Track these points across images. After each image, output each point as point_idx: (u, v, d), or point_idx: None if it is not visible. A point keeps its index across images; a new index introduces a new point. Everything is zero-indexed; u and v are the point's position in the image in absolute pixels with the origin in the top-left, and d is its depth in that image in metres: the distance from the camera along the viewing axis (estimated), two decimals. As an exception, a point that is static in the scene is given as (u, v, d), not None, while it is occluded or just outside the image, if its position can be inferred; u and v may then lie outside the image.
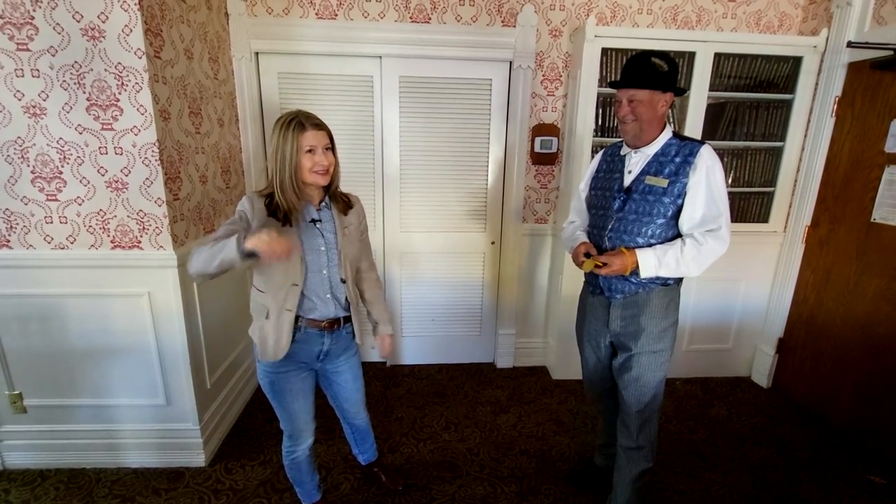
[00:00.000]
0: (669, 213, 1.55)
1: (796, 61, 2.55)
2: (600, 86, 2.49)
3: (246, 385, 2.63)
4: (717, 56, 2.48)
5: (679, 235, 1.59)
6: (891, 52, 2.16)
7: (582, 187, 1.86)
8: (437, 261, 2.94)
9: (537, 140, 2.73)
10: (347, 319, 1.55)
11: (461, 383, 2.89)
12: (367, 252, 1.66)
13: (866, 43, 2.25)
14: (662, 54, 1.53)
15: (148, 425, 2.07)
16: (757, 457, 2.26)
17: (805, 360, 2.69)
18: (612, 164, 1.72)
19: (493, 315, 3.07)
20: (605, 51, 2.45)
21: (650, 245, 1.57)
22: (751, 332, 2.96)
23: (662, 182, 1.54)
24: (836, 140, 2.50)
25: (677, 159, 1.53)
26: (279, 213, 1.36)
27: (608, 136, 2.61)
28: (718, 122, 2.65)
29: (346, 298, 1.52)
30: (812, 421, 2.57)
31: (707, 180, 1.50)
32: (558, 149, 2.77)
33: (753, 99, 2.62)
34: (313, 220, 1.44)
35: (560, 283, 2.80)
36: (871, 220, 2.29)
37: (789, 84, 2.60)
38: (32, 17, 1.62)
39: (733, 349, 2.98)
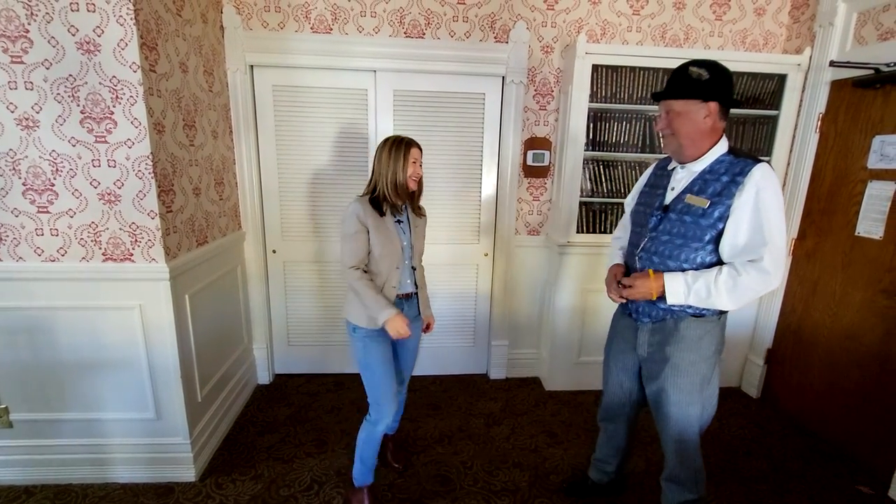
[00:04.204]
0: (707, 238, 1.41)
1: (781, 79, 2.62)
2: (591, 101, 2.54)
3: (237, 397, 2.61)
4: (705, 73, 2.53)
5: (720, 264, 1.44)
6: (871, 71, 2.23)
7: (628, 201, 1.79)
8: (430, 272, 2.90)
9: (530, 153, 2.77)
10: (416, 294, 1.95)
11: (454, 395, 2.89)
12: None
13: (848, 62, 2.32)
14: (705, 63, 1.42)
15: (137, 439, 2.04)
16: (748, 468, 2.28)
17: (793, 371, 2.72)
18: (658, 178, 1.63)
19: (487, 326, 3.08)
20: (595, 67, 2.50)
21: (683, 270, 1.45)
22: (740, 343, 2.99)
23: (703, 202, 1.41)
24: (820, 155, 2.56)
25: (724, 178, 1.40)
26: (382, 207, 1.78)
27: (599, 151, 2.66)
28: (706, 136, 2.70)
29: (415, 281, 1.93)
30: (801, 431, 2.60)
31: (756, 203, 1.34)
32: (550, 162, 2.81)
33: (740, 115, 2.68)
34: (398, 221, 1.84)
35: (553, 295, 2.83)
36: (856, 233, 2.34)
37: (775, 100, 2.67)
38: (27, 31, 1.62)
39: (724, 360, 2.98)
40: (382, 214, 1.77)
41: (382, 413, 1.83)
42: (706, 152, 1.46)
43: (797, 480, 2.20)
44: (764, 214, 1.35)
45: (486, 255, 2.95)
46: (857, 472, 2.27)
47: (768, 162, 1.47)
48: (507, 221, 2.85)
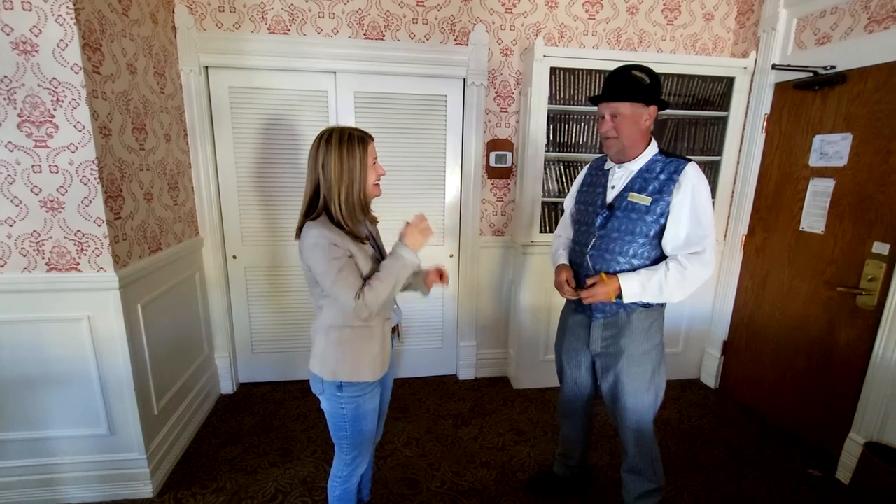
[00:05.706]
0: (652, 233, 1.50)
1: (729, 81, 2.73)
2: (550, 103, 2.58)
3: (199, 409, 2.53)
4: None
5: (663, 256, 1.54)
6: (811, 74, 2.35)
7: (567, 201, 1.84)
8: (396, 275, 2.93)
9: (492, 155, 2.79)
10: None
11: (423, 397, 2.88)
12: None
13: (789, 65, 2.43)
14: (643, 68, 1.49)
15: (89, 457, 1.95)
16: (706, 456, 2.36)
17: (747, 362, 2.84)
18: (596, 178, 1.68)
19: (454, 327, 3.09)
20: (553, 70, 2.54)
21: (632, 265, 1.53)
22: (699, 336, 3.10)
23: (645, 199, 1.49)
24: (767, 154, 2.68)
25: (662, 176, 1.49)
26: (353, 235, 1.36)
27: (560, 151, 2.71)
28: (661, 137, 2.78)
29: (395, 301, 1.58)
30: (755, 419, 2.70)
31: (692, 199, 1.45)
32: (513, 163, 2.84)
33: (692, 116, 2.78)
34: (366, 238, 1.46)
35: (518, 295, 2.86)
36: (800, 228, 2.46)
37: (724, 102, 2.78)
38: (-44, 30, 1.54)
39: (683, 352, 3.11)
40: (362, 241, 1.40)
41: (359, 465, 1.57)
42: (643, 152, 1.55)
43: (752, 466, 2.29)
44: (701, 209, 1.46)
45: (452, 256, 2.96)
46: (808, 455, 2.38)
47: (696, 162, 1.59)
48: (471, 223, 2.87)
